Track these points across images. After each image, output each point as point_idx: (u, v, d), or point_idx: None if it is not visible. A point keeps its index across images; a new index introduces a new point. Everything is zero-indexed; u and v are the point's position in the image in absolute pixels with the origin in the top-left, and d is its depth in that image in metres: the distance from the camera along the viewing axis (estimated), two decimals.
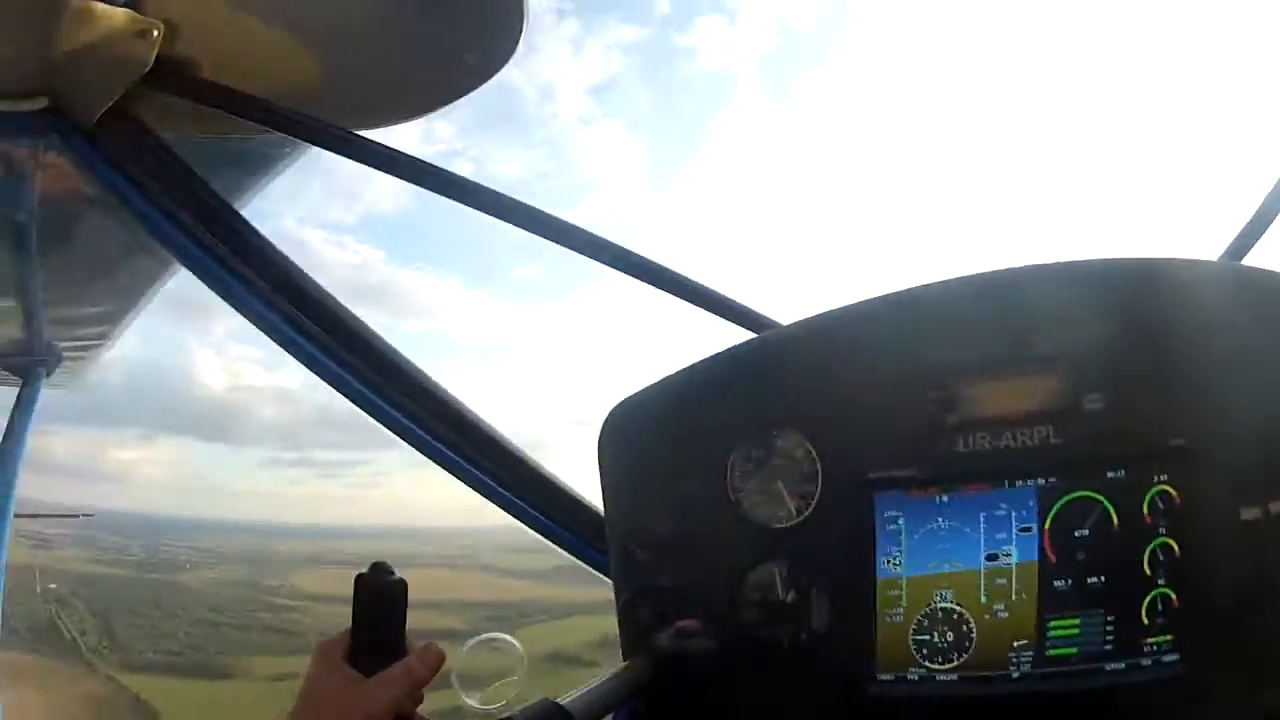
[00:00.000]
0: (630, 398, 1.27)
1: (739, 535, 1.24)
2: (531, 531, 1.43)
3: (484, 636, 1.33)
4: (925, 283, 1.21)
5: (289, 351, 1.45)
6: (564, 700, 1.07)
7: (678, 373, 1.26)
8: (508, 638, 1.33)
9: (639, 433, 1.28)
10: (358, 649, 0.97)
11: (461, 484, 1.45)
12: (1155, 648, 1.23)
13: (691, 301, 1.30)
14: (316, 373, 1.42)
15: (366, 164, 1.31)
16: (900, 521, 1.21)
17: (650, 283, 1.29)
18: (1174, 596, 1.23)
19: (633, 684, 1.10)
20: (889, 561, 1.21)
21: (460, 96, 1.38)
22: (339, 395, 1.45)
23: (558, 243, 1.27)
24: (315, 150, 1.42)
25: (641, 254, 1.28)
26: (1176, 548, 1.22)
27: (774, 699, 1.25)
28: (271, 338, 1.45)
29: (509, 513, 1.41)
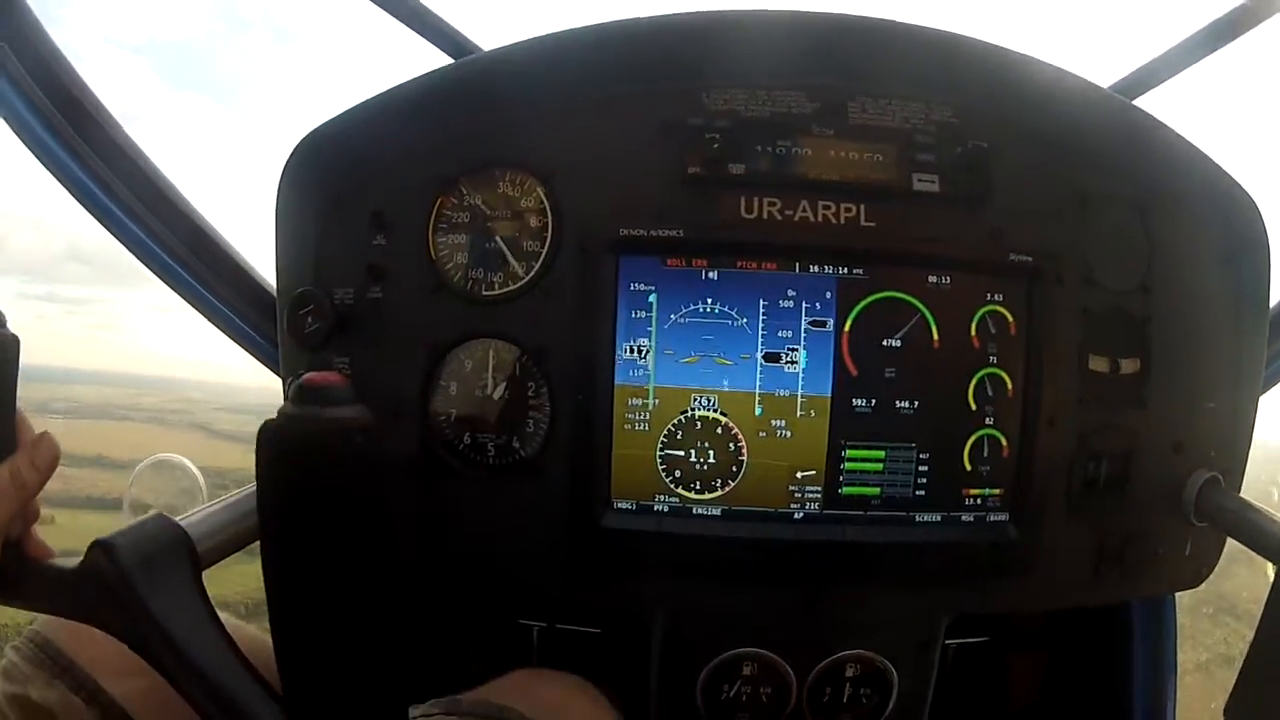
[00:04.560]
0: (320, 127, 0.96)
1: (438, 307, 0.95)
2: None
3: (158, 458, 1.04)
4: (711, 8, 0.93)
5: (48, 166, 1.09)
6: (187, 520, 0.77)
7: (378, 95, 0.95)
8: (185, 461, 1.04)
9: (325, 171, 0.97)
10: None
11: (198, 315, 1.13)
12: (980, 501, 1.01)
13: (388, 9, 1.00)
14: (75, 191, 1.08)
15: None
16: (651, 298, 0.93)
17: None
18: (1004, 442, 1.01)
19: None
20: (632, 350, 0.94)
21: None
22: (88, 225, 1.12)
23: None
24: None
25: None
26: (1009, 383, 1.00)
27: (474, 530, 0.97)
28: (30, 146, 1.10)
29: (183, 295, 1.10)
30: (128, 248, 1.10)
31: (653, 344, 0.93)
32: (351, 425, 0.64)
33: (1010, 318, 0.99)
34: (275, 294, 1.02)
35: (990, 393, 0.99)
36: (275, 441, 0.65)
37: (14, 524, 0.68)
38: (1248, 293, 1.09)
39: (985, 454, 1.00)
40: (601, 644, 1.13)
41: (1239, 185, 1.08)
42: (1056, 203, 1.01)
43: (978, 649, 1.22)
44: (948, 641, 1.14)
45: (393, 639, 0.72)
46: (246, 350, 1.14)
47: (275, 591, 0.68)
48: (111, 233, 1.10)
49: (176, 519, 0.76)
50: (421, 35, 1.03)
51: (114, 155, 1.09)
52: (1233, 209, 1.08)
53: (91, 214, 1.10)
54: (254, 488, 0.85)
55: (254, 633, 1.04)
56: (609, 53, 0.96)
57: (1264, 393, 1.16)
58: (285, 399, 0.97)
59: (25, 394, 0.74)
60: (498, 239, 0.95)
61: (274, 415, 0.67)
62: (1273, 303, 1.13)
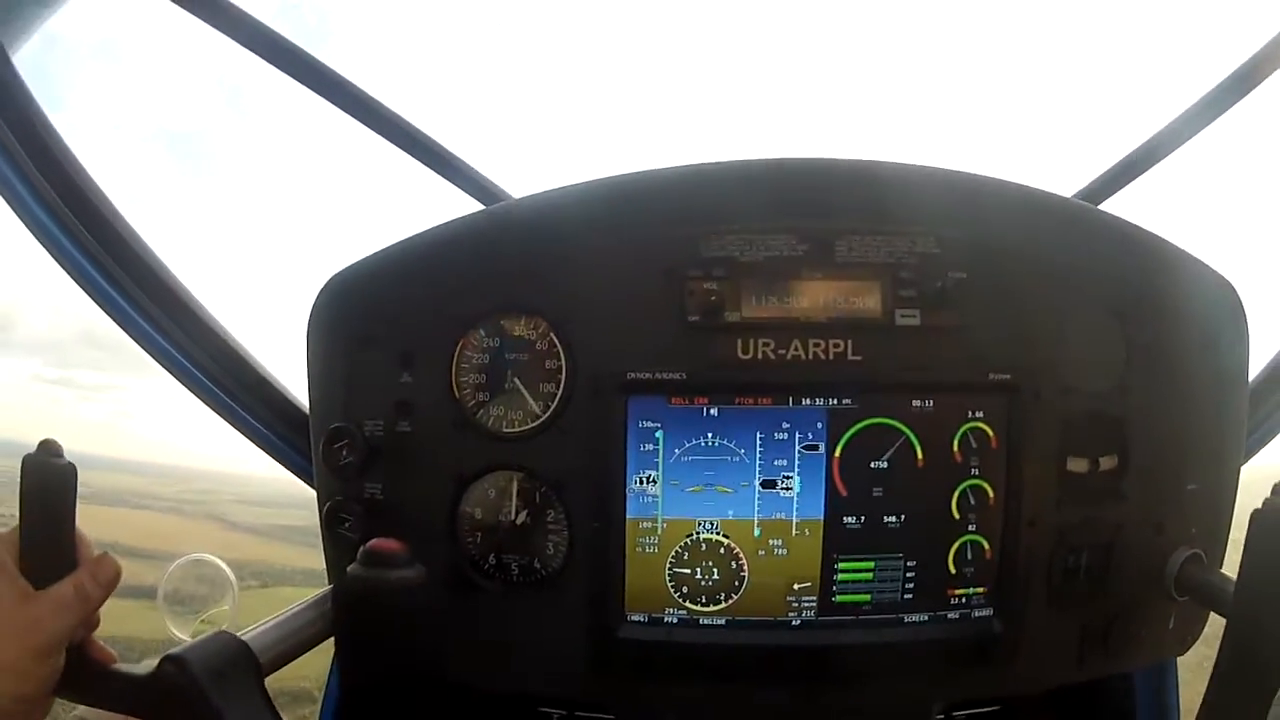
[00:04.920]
0: (348, 269, 1.06)
1: (463, 441, 1.05)
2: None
3: (193, 557, 1.15)
4: (707, 160, 1.03)
5: (57, 259, 1.20)
6: (248, 634, 0.89)
7: (403, 241, 1.05)
8: (218, 561, 1.14)
9: (353, 311, 1.06)
10: (30, 550, 0.77)
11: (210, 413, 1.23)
12: (964, 600, 1.09)
13: (422, 160, 1.11)
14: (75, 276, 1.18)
15: None
16: (658, 435, 1.03)
17: (381, 132, 1.10)
18: (987, 546, 1.08)
19: (326, 619, 0.92)
20: (642, 481, 1.04)
21: None
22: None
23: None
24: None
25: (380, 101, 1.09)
26: (991, 492, 1.08)
27: (501, 640, 1.07)
28: (39, 238, 1.20)
29: (212, 408, 1.20)
30: (164, 368, 1.19)
31: (660, 475, 1.03)
32: (412, 584, 0.78)
33: (990, 432, 1.06)
34: (306, 411, 1.10)
35: (973, 502, 1.07)
36: (349, 598, 0.79)
37: (77, 632, 0.80)
38: (1228, 372, 1.13)
39: (969, 557, 1.08)
40: None
41: (1213, 271, 1.12)
42: (1034, 321, 1.08)
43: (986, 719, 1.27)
44: (955, 713, 1.22)
45: None
46: (279, 462, 1.23)
47: (348, 698, 0.82)
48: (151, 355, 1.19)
49: (238, 634, 0.88)
50: (454, 184, 1.14)
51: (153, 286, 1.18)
52: (1209, 297, 1.12)
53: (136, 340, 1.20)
54: (307, 602, 0.97)
55: None
56: (615, 204, 1.05)
57: (1246, 461, 1.20)
58: (321, 525, 1.08)
59: None
60: (516, 380, 1.05)
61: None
62: (1252, 374, 1.16)
